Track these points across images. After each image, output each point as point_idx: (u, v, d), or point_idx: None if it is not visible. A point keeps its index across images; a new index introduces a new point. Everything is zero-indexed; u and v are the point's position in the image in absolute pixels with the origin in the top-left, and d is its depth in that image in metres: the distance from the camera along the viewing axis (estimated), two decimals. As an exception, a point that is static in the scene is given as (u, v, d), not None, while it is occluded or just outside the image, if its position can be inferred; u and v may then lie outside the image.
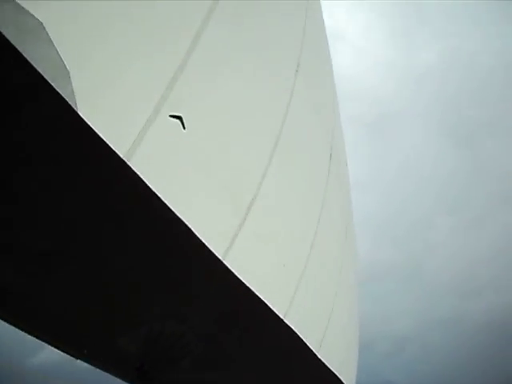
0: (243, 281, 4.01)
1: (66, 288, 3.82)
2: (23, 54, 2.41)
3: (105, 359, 5.53)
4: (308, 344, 5.78)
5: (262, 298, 4.33)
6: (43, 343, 5.00)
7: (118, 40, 2.75)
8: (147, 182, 3.00)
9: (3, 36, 2.33)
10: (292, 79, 4.46)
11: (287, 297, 4.94)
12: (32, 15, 2.36)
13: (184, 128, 3.03)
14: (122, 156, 2.84)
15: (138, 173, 2.93)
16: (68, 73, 2.51)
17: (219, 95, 3.48)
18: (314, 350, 6.07)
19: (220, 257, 3.76)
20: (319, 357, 6.27)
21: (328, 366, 6.80)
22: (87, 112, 2.61)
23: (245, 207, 3.86)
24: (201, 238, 3.43)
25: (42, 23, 2.38)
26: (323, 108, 6.17)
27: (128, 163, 2.87)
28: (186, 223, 3.31)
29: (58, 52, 2.45)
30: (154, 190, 3.05)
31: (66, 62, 2.49)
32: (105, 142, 2.74)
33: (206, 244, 3.53)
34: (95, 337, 4.89)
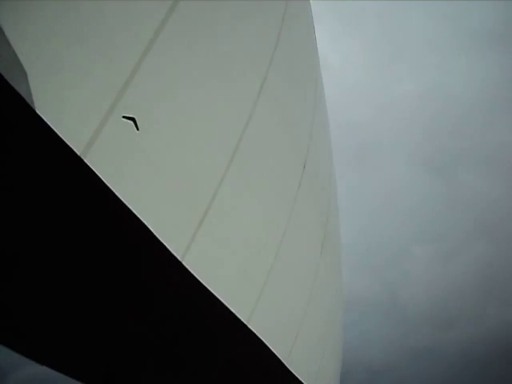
0: (202, 282, 4.12)
1: (26, 293, 3.89)
2: None
3: (70, 364, 5.59)
4: (275, 352, 5.86)
5: (222, 300, 4.44)
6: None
7: (72, 38, 2.90)
8: (103, 179, 3.13)
9: None
10: (256, 90, 4.63)
11: (250, 302, 5.04)
12: None
13: (137, 129, 3.18)
14: (78, 153, 2.98)
15: (94, 169, 3.06)
16: (24, 70, 2.66)
17: (174, 97, 3.63)
18: (281, 359, 6.14)
19: (179, 257, 3.87)
20: (287, 366, 6.34)
21: (298, 376, 6.86)
22: (43, 108, 2.75)
23: (202, 210, 3.99)
24: (157, 235, 3.55)
25: None
26: (295, 121, 6.34)
27: (84, 160, 3.00)
28: (142, 220, 3.43)
29: (13, 50, 2.60)
30: (110, 187, 3.18)
31: (21, 60, 2.64)
32: (60, 138, 2.88)
33: (164, 243, 3.64)
34: (59, 341, 4.94)
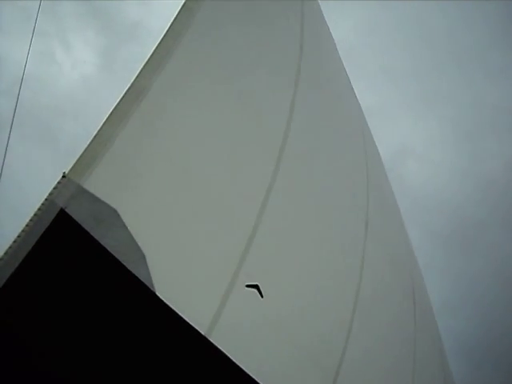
0: None
1: None
2: (101, 241, 2.50)
3: None
4: None
5: None
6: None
7: (187, 214, 2.84)
8: (230, 357, 2.88)
9: (82, 227, 2.45)
10: (362, 236, 4.41)
11: None
12: (107, 204, 2.49)
13: (262, 296, 2.98)
14: (203, 333, 2.78)
15: (220, 347, 2.84)
16: (142, 253, 2.57)
17: (290, 260, 3.47)
18: None
19: None
20: None
21: None
22: (163, 290, 2.62)
23: (332, 373, 3.62)
24: None
25: (115, 210, 2.50)
26: (399, 259, 6.01)
27: (209, 339, 2.79)
28: None
29: (130, 233, 2.54)
30: (237, 364, 2.92)
31: (139, 243, 2.56)
32: (184, 320, 2.70)
33: None
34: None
